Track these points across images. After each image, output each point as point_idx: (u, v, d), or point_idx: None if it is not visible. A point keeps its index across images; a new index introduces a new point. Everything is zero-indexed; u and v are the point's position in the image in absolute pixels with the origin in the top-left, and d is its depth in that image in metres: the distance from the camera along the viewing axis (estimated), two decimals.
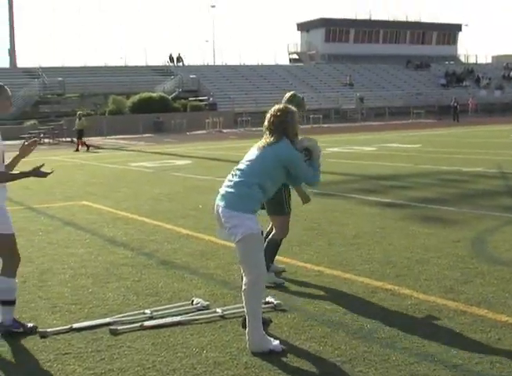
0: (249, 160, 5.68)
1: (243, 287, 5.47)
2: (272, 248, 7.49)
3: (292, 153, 5.70)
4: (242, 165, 5.69)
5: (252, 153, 5.73)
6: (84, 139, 35.24)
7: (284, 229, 7.52)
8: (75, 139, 36.66)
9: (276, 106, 5.86)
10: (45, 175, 6.20)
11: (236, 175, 5.64)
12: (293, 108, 5.89)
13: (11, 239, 6.10)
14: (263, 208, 7.26)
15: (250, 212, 5.49)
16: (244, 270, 5.52)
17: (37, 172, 6.17)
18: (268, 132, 5.76)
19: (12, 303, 6.10)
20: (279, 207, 7.42)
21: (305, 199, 7.20)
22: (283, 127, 5.71)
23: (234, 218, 5.46)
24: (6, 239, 6.06)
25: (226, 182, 5.68)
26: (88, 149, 34.30)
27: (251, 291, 5.41)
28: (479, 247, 9.04)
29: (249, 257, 5.46)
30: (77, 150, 34.51)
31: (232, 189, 5.56)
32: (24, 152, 6.40)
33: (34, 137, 6.47)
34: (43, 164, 6.18)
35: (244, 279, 5.50)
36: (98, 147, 36.96)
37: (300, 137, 6.05)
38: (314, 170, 5.85)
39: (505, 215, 11.25)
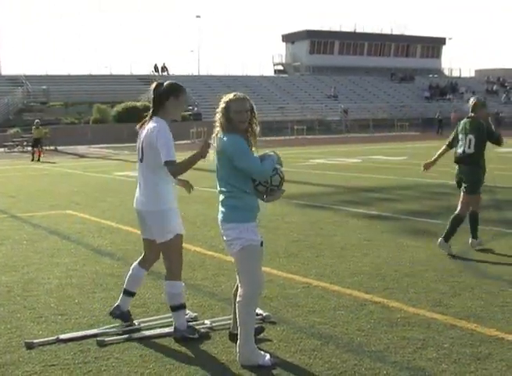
0: (218, 170, 5.55)
1: (238, 299, 5.40)
2: (474, 221, 9.81)
3: (232, 145, 5.42)
4: (218, 177, 5.58)
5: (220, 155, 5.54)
6: (39, 149, 34.71)
7: (479, 204, 9.88)
8: (57, 148, 36.30)
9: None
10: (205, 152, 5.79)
11: (220, 191, 5.56)
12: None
13: (181, 240, 6.17)
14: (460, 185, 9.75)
15: (247, 221, 5.41)
16: (240, 281, 5.45)
17: (203, 151, 5.78)
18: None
19: (184, 307, 6.12)
20: (474, 186, 9.59)
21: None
22: (220, 120, 5.50)
23: (232, 230, 5.40)
24: (180, 240, 6.12)
25: (219, 199, 5.60)
26: (36, 158, 33.65)
27: (246, 304, 5.35)
28: (467, 261, 9.03)
29: (246, 269, 5.40)
30: (32, 159, 33.69)
31: (224, 204, 5.50)
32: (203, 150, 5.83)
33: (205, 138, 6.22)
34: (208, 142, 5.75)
35: (240, 290, 5.43)
36: (80, 156, 36.74)
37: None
38: (265, 165, 5.40)
39: (491, 229, 11.25)
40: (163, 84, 6.18)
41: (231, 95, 5.55)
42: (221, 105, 5.52)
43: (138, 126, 6.22)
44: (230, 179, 5.44)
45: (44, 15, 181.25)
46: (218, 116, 5.52)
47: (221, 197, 5.54)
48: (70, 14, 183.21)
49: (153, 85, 6.18)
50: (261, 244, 5.48)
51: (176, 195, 6.22)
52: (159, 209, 5.99)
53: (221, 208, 5.53)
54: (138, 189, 6.24)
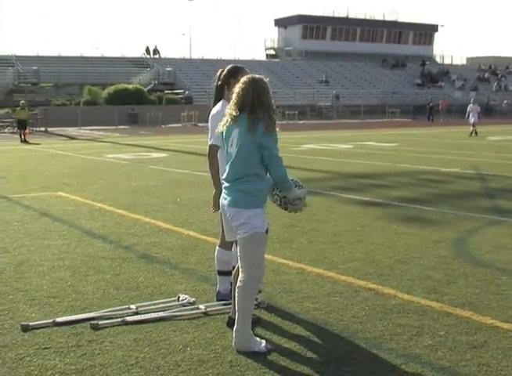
0: (236, 150, 5.33)
1: (238, 284, 5.33)
2: None
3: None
4: (232, 157, 5.37)
5: (234, 138, 5.37)
6: (27, 131, 34.82)
7: None
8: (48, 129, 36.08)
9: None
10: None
11: (231, 175, 5.38)
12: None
13: None
14: None
15: (256, 207, 5.29)
16: (242, 267, 5.37)
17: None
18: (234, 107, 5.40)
19: (228, 274, 6.35)
20: None
21: None
22: (252, 100, 5.33)
23: (239, 215, 5.28)
24: None
25: (225, 180, 5.47)
26: (24, 140, 33.55)
27: (245, 290, 5.28)
28: (460, 249, 9.01)
29: (249, 256, 5.31)
30: (25, 140, 33.56)
31: (235, 188, 5.34)
32: None
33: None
34: None
35: (240, 275, 5.36)
36: (70, 137, 36.56)
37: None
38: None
39: (484, 217, 11.24)
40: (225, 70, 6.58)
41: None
42: (266, 85, 5.46)
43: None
44: (247, 164, 5.28)
45: None
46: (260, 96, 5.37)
47: (230, 179, 5.39)
48: None
49: (218, 72, 6.55)
50: (267, 230, 5.38)
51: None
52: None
53: (228, 192, 5.39)
54: None
